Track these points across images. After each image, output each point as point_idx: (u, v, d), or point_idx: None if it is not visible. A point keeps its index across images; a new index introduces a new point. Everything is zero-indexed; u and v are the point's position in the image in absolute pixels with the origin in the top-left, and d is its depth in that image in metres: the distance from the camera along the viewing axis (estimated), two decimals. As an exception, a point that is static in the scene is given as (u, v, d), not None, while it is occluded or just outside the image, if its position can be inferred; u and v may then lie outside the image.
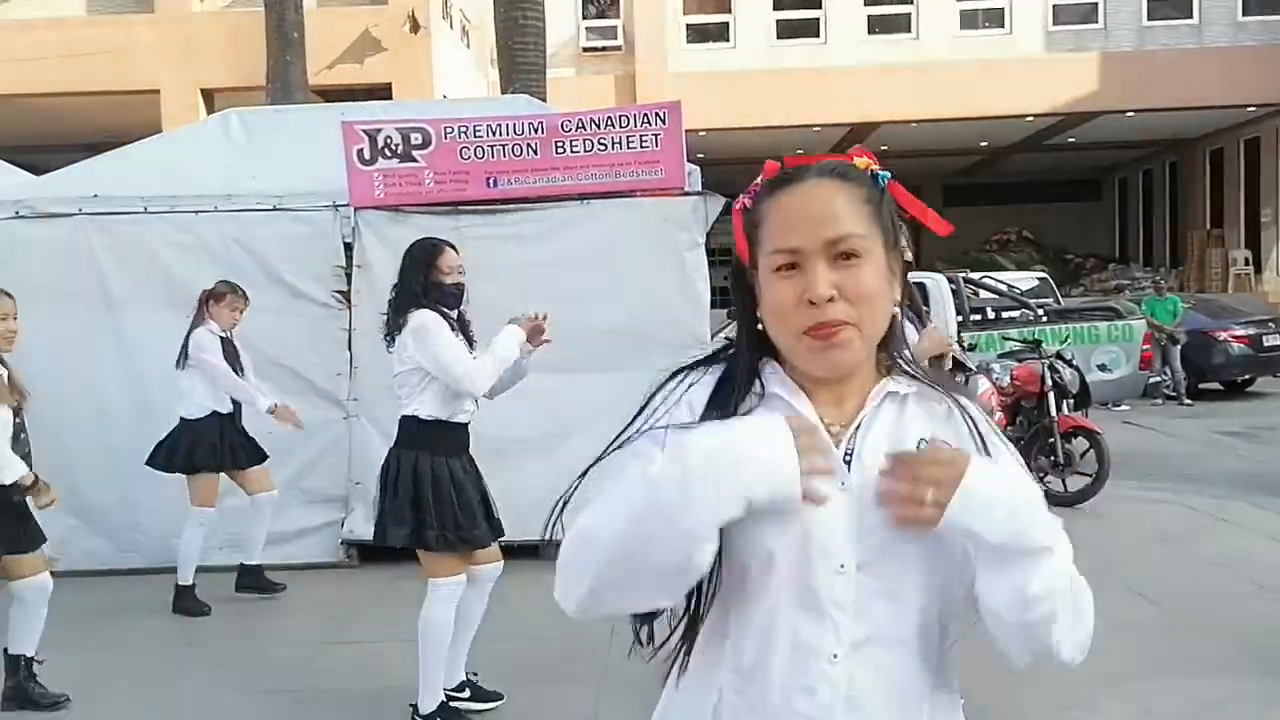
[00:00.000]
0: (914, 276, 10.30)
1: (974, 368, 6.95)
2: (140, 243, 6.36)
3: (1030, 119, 18.90)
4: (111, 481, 6.28)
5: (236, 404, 5.67)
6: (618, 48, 19.10)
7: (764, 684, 1.27)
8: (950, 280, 10.33)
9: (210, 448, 5.58)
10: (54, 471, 4.65)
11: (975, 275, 12.03)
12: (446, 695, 3.94)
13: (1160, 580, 5.67)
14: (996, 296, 10.98)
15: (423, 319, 3.83)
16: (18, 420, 4.19)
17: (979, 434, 1.31)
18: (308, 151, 6.57)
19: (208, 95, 14.09)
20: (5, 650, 4.24)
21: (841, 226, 1.27)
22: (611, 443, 1.35)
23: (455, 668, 4.04)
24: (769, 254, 1.30)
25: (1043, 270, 16.69)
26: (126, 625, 5.46)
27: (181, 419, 5.61)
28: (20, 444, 4.27)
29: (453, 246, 4.07)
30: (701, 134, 17.93)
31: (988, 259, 21.26)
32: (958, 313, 10.05)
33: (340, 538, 6.34)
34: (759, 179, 1.36)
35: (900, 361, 1.35)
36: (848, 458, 1.29)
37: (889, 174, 1.34)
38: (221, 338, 5.57)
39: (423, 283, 3.91)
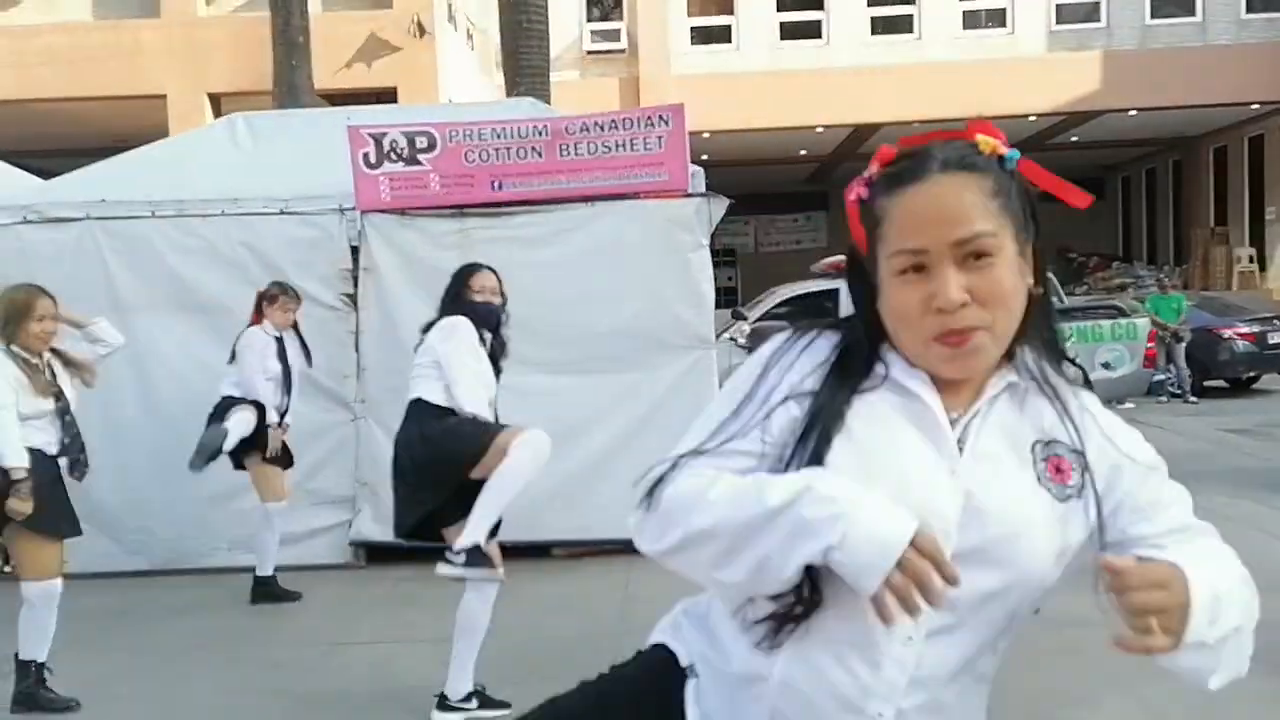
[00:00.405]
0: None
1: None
2: (148, 246, 6.40)
3: (1033, 118, 18.90)
4: (121, 484, 6.31)
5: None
6: (621, 50, 19.12)
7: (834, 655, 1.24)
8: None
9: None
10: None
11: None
12: (453, 704, 3.98)
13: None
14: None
15: (455, 321, 4.05)
16: (60, 404, 4.30)
17: (1109, 438, 1.28)
18: (314, 155, 6.62)
19: (215, 100, 14.14)
20: (16, 655, 4.27)
21: (971, 226, 1.17)
22: (724, 404, 1.30)
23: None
24: (891, 254, 1.22)
25: (1050, 269, 16.69)
26: (136, 627, 5.49)
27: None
28: (68, 426, 4.37)
29: (492, 270, 4.27)
30: (705, 136, 17.97)
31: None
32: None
33: (349, 539, 6.37)
34: (872, 166, 1.27)
35: (1024, 351, 1.28)
36: (961, 444, 1.24)
37: (1017, 153, 1.24)
38: (275, 338, 5.70)
39: (454, 298, 4.14)
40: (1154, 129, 20.38)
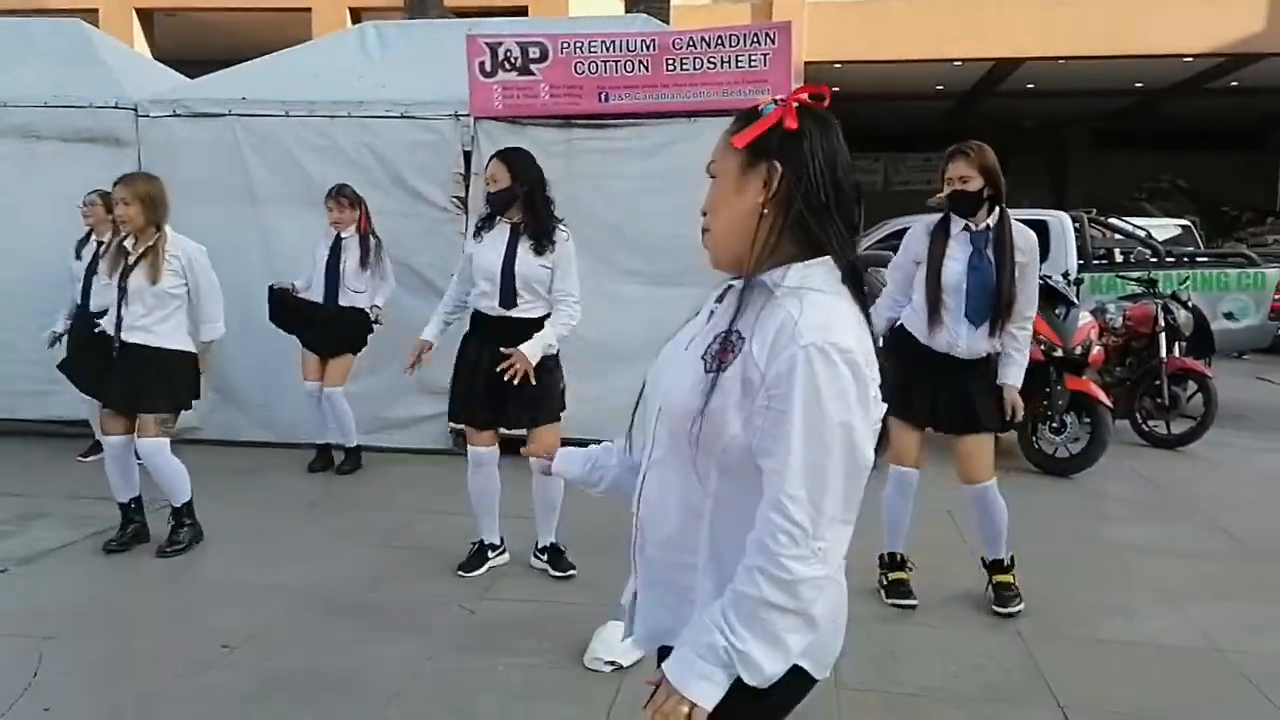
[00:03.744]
0: (1034, 214, 10.14)
1: (1075, 302, 6.89)
2: (280, 144, 6.87)
3: (1189, 59, 17.89)
4: (251, 362, 6.87)
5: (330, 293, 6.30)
6: (757, -25, 18.86)
7: None
8: (1074, 219, 10.09)
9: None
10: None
11: (1103, 217, 11.64)
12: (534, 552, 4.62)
13: (1251, 520, 5.63)
14: (1123, 238, 10.66)
15: (571, 245, 4.37)
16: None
17: (768, 352, 1.47)
18: (435, 63, 6.94)
19: (355, 14, 14.68)
20: (172, 507, 4.84)
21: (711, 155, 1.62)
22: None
23: (543, 532, 4.58)
24: None
25: (1192, 220, 15.94)
26: (256, 485, 6.08)
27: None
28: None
29: (498, 157, 4.41)
30: (836, 66, 17.67)
31: (1135, 207, 20.36)
32: (1079, 253, 9.83)
33: (449, 427, 6.80)
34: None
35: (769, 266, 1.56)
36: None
37: (772, 106, 1.56)
38: (334, 236, 6.27)
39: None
40: (1324, 76, 19.06)
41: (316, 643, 3.79)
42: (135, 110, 6.97)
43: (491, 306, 4.35)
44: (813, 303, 1.44)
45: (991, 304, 3.94)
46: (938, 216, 4.09)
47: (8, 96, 7.05)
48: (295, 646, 3.75)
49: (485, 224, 4.42)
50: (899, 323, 4.18)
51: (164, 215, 4.73)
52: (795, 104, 1.52)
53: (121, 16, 15.24)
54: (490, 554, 4.62)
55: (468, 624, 4.00)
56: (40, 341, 6.28)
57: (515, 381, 4.20)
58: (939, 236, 4.03)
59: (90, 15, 13.15)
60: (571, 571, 4.50)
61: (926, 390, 4.06)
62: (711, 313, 1.58)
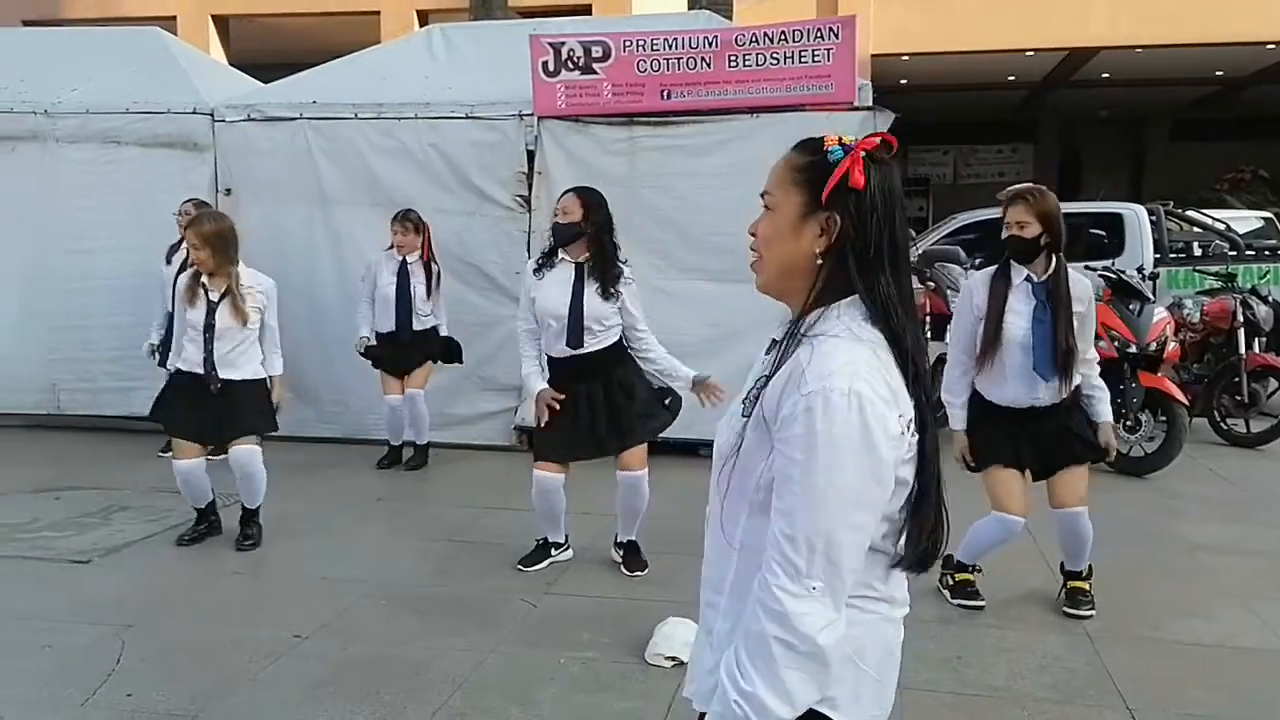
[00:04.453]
0: (1108, 207, 9.91)
1: (1150, 297, 6.73)
2: (350, 145, 7.01)
3: (1272, 46, 17.33)
4: (321, 360, 7.04)
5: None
6: (822, -31, 18.70)
7: None
8: (1150, 212, 9.85)
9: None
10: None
11: (1181, 210, 11.33)
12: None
13: (1332, 522, 5.46)
14: (1202, 231, 10.38)
15: (635, 284, 4.45)
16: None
17: (777, 396, 1.49)
18: (500, 64, 7.04)
19: (422, 16, 14.88)
20: (243, 507, 4.99)
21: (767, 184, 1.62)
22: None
23: (625, 529, 4.63)
24: None
25: (1275, 211, 15.44)
26: (323, 480, 6.22)
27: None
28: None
29: (573, 191, 4.47)
30: (904, 59, 17.46)
31: (1215, 199, 19.78)
32: (1156, 247, 9.60)
33: (513, 424, 6.89)
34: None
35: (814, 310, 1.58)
36: None
37: (840, 152, 1.54)
38: (398, 261, 6.36)
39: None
40: None
41: (384, 633, 3.88)
42: (211, 115, 7.17)
43: (561, 350, 4.36)
44: (821, 350, 1.46)
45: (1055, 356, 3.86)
46: (994, 268, 4.00)
47: (90, 104, 7.31)
48: (363, 636, 3.84)
49: (546, 261, 4.42)
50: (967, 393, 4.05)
51: (235, 254, 4.81)
52: (863, 154, 1.52)
53: (198, 23, 15.65)
54: (553, 550, 4.67)
55: (531, 617, 4.06)
56: (128, 342, 6.52)
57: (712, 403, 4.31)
58: (999, 288, 3.93)
59: (169, 23, 13.54)
60: (639, 572, 4.53)
61: (1020, 437, 3.96)
62: (763, 363, 1.62)
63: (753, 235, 1.61)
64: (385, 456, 6.63)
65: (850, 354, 1.46)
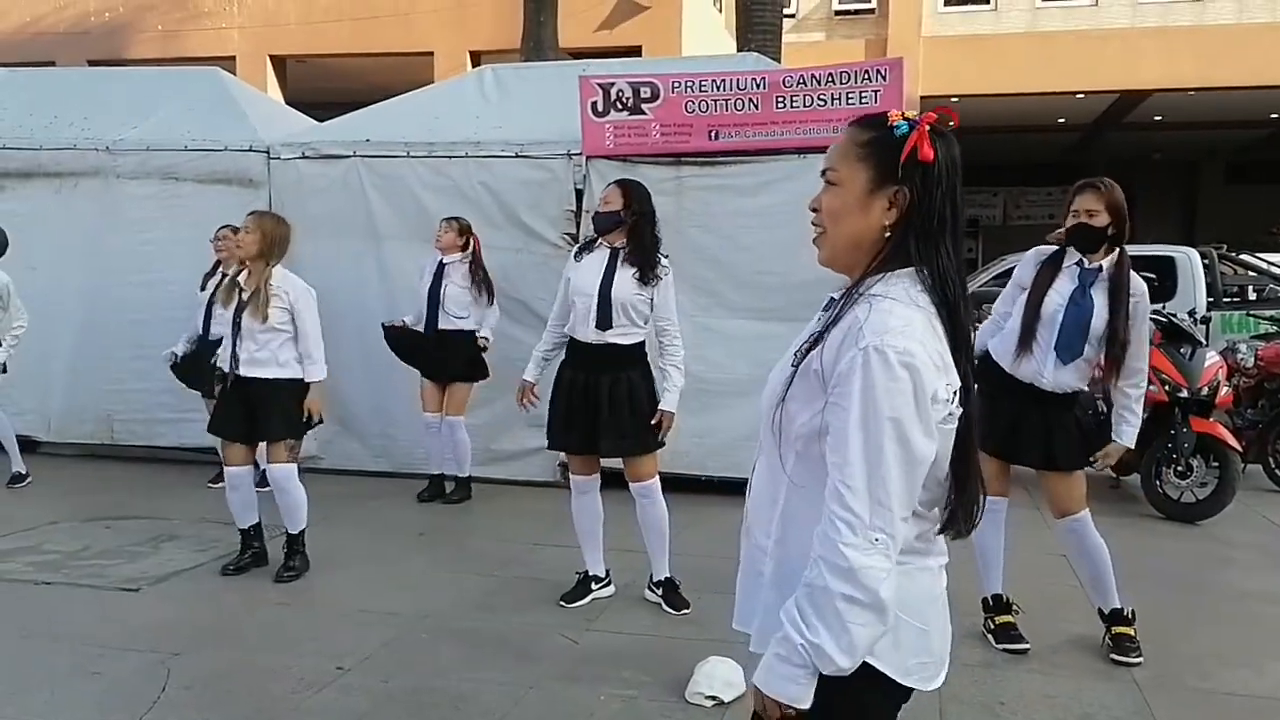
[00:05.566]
0: (1160, 250, 9.80)
1: (1202, 341, 6.62)
2: (402, 183, 7.14)
3: (1329, 88, 17.11)
4: (370, 393, 7.14)
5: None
6: (871, 10, 18.82)
7: None
8: (1203, 255, 9.73)
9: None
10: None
11: (1235, 253, 11.18)
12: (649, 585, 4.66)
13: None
14: (1256, 275, 10.23)
15: (671, 276, 4.46)
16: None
17: (835, 349, 1.54)
18: (549, 104, 7.14)
19: (475, 57, 15.16)
20: (288, 534, 5.04)
21: (828, 161, 1.67)
22: None
23: (657, 565, 4.61)
24: None
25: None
26: (368, 512, 6.28)
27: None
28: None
29: (616, 184, 4.59)
30: (954, 101, 17.45)
31: (1271, 242, 19.45)
32: (1209, 290, 9.47)
33: (557, 460, 6.91)
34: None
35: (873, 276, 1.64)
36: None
37: (905, 126, 1.59)
38: (438, 261, 6.49)
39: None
40: None
41: (425, 665, 3.90)
42: (267, 153, 7.35)
43: (587, 332, 4.40)
44: (880, 308, 1.53)
45: (1083, 343, 3.88)
46: (1053, 249, 4.05)
47: (150, 140, 7.53)
48: (405, 668, 3.86)
49: (586, 247, 4.55)
50: (985, 350, 4.11)
51: (278, 255, 4.94)
52: (928, 128, 1.57)
53: (257, 63, 16.08)
54: (594, 585, 4.67)
55: (571, 653, 4.05)
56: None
57: (661, 428, 4.40)
58: (1048, 267, 4.00)
59: (228, 63, 13.92)
60: (684, 610, 4.50)
61: (1008, 420, 3.99)
62: (819, 319, 1.67)
63: (814, 210, 1.65)
64: (426, 489, 6.68)
65: (908, 318, 1.52)
